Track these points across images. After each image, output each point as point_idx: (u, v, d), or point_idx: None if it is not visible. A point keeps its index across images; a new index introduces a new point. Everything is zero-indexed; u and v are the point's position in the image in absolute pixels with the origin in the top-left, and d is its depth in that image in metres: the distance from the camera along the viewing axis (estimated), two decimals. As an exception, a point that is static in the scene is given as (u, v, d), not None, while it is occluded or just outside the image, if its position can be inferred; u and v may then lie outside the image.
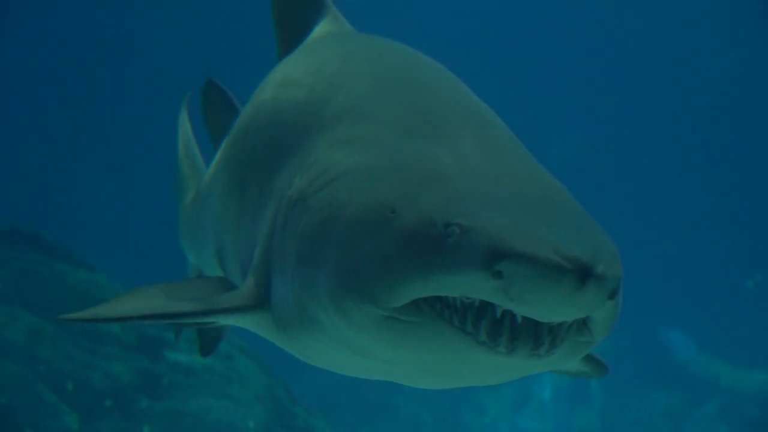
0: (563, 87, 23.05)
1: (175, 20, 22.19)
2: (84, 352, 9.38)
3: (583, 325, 2.36)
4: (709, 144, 23.28)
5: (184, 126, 4.91)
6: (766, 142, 23.38)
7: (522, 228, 2.24)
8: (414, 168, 2.50)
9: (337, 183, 2.59)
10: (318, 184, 2.65)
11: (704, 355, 18.66)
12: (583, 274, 2.16)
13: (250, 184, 3.22)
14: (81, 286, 9.86)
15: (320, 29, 3.67)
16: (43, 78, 22.16)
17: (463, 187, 2.40)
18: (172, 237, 4.96)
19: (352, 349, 2.56)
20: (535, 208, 2.34)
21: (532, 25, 23.20)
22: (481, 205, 2.32)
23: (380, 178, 2.50)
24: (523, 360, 2.31)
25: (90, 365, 9.34)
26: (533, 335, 2.28)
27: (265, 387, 10.29)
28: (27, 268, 9.70)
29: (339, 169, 2.63)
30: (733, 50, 22.97)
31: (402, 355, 2.44)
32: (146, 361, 9.75)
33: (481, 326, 2.28)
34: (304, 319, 2.62)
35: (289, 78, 3.33)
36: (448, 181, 2.42)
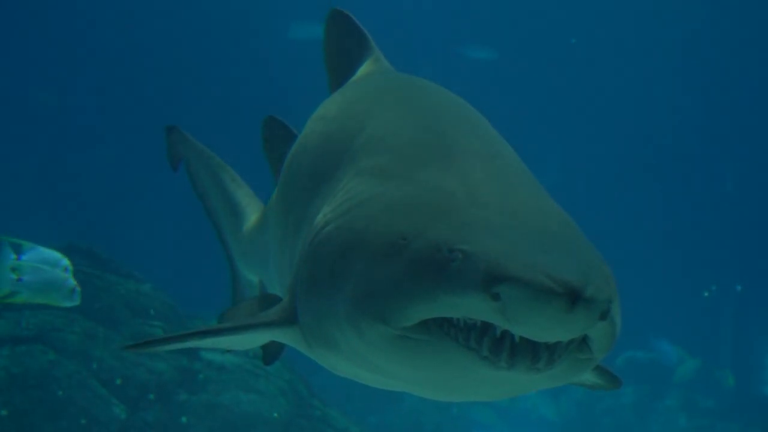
0: (542, 120, 22.85)
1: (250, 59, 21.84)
2: (131, 352, 9.33)
3: (582, 342, 2.23)
4: (675, 176, 23.23)
5: (213, 157, 4.59)
6: (723, 179, 23.41)
7: (518, 254, 2.12)
8: (425, 198, 2.38)
9: (356, 211, 2.48)
10: (340, 211, 2.54)
11: (668, 355, 18.57)
12: (572, 297, 2.02)
13: (294, 210, 3.10)
14: (129, 295, 9.82)
15: (363, 69, 3.54)
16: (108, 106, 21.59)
17: (467, 215, 2.28)
18: (212, 251, 4.84)
19: (367, 367, 2.45)
20: (533, 234, 2.21)
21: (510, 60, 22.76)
22: (483, 232, 2.20)
23: (394, 208, 2.38)
24: (523, 374, 2.17)
25: (136, 363, 9.27)
26: (532, 351, 2.15)
27: (288, 382, 10.19)
28: (82, 279, 9.59)
29: (359, 197, 2.52)
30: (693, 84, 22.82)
31: (412, 371, 2.31)
32: (185, 359, 9.66)
33: (483, 343, 2.15)
34: (321, 338, 2.51)
35: (327, 114, 3.22)
36: (454, 210, 2.30)
